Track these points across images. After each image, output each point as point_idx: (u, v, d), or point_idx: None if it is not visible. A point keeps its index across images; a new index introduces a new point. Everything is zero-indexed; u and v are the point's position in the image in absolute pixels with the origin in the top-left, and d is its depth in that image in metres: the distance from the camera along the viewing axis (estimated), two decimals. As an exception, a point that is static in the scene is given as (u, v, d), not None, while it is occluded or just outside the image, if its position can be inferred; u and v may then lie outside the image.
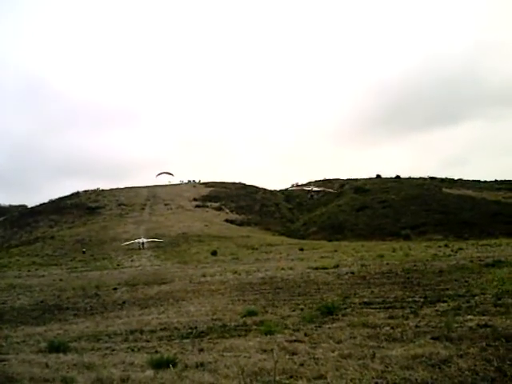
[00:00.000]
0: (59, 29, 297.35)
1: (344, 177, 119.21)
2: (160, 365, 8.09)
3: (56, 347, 10.59)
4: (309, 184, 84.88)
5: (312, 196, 79.55)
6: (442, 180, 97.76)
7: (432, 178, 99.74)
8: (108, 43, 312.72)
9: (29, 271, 47.40)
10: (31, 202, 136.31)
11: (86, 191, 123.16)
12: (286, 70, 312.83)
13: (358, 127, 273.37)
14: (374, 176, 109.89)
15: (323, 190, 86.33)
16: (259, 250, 50.40)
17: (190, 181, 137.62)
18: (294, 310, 13.54)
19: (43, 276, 40.41)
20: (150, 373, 7.75)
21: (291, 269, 28.06)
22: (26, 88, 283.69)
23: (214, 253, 51.95)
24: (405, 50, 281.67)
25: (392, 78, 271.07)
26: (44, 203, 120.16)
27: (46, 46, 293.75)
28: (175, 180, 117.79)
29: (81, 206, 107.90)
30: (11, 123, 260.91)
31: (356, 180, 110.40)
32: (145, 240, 66.27)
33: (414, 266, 23.85)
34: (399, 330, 9.55)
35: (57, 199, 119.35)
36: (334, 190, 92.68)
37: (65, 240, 76.30)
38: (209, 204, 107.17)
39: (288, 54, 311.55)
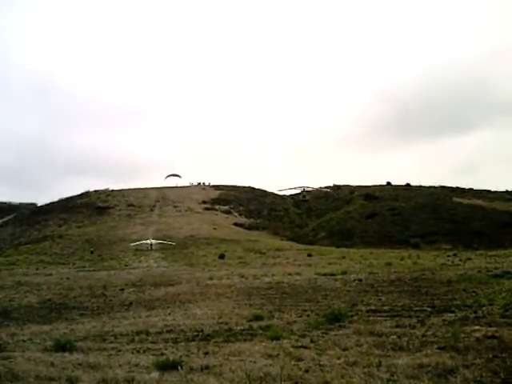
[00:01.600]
0: (67, 28, 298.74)
1: (354, 183, 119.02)
2: (165, 367, 8.12)
3: (62, 346, 10.61)
4: (302, 188, 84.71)
5: (304, 196, 78.79)
6: (453, 189, 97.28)
7: (442, 187, 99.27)
8: (117, 43, 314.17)
9: (37, 269, 47.60)
10: (41, 200, 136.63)
11: (95, 191, 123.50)
12: (297, 74, 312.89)
13: (368, 133, 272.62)
14: (385, 183, 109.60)
15: (317, 190, 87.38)
16: (267, 255, 50.39)
17: (199, 183, 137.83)
18: (300, 316, 13.52)
19: (51, 274, 40.54)
20: (155, 375, 7.79)
21: (299, 274, 28.04)
22: (34, 88, 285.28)
23: (222, 256, 51.97)
24: (416, 55, 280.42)
25: (402, 84, 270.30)
26: (54, 202, 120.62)
27: (54, 46, 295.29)
28: (183, 182, 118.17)
29: (90, 206, 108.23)
30: (20, 122, 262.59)
31: (366, 187, 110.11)
32: (153, 241, 66.46)
33: (423, 274, 23.77)
34: (406, 338, 9.52)
35: (66, 198, 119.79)
36: (330, 190, 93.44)
37: (73, 239, 76.60)
38: (218, 207, 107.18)
39: (299, 57, 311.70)
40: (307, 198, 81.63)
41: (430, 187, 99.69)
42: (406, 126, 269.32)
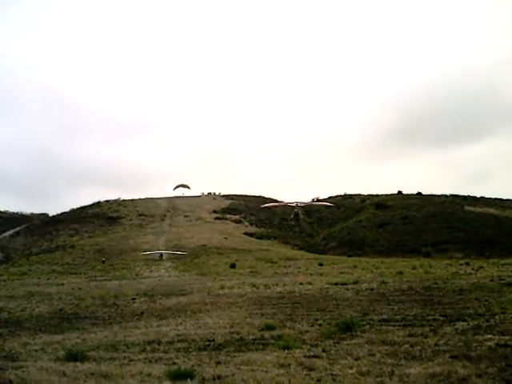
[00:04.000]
0: (74, 41, 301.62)
1: (365, 192, 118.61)
2: (177, 376, 8.11)
3: (74, 356, 10.65)
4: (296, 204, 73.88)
5: (297, 215, 64.36)
6: (465, 198, 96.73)
7: (454, 196, 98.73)
8: (125, 56, 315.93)
9: (48, 279, 47.75)
10: (52, 210, 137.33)
11: (107, 201, 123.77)
12: (304, 84, 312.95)
13: (377, 142, 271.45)
14: (396, 192, 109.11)
15: (313, 202, 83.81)
16: (278, 264, 50.30)
17: (209, 193, 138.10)
18: (312, 326, 13.50)
19: (62, 284, 40.66)
20: (167, 384, 7.80)
21: (310, 284, 27.94)
22: (43, 101, 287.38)
23: (233, 265, 51.92)
24: (426, 63, 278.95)
25: (411, 92, 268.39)
26: (65, 212, 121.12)
27: (62, 59, 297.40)
28: (191, 193, 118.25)
29: (101, 216, 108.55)
30: (31, 135, 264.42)
31: (377, 196, 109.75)
32: (164, 251, 66.63)
33: (435, 283, 23.65)
34: (418, 348, 9.50)
35: (78, 208, 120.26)
36: (331, 203, 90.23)
37: (85, 249, 76.84)
38: (228, 216, 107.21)
39: (305, 67, 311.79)
40: (300, 215, 72.91)
41: (442, 196, 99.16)
42: (415, 134, 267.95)
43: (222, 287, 29.31)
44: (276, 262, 51.49)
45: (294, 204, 62.70)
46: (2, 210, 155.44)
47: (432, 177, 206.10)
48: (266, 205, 77.11)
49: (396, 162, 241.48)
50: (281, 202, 79.67)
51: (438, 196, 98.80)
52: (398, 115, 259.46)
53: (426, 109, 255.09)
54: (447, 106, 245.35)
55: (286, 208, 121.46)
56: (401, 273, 32.29)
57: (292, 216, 67.13)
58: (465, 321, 12.66)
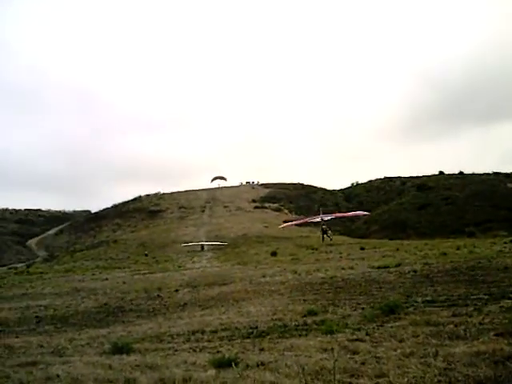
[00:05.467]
0: (105, 43, 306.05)
1: (405, 174, 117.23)
2: (222, 364, 8.18)
3: (119, 349, 10.82)
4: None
5: (325, 232, 54.55)
6: (507, 175, 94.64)
7: (496, 174, 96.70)
8: (156, 52, 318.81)
9: (93, 275, 48.59)
10: (94, 207, 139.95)
11: (147, 195, 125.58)
12: (340, 67, 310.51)
13: (415, 122, 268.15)
14: (437, 172, 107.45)
15: (343, 213, 71.36)
16: (319, 250, 50.11)
17: (248, 182, 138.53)
18: (354, 310, 13.42)
19: (107, 279, 41.32)
20: (211, 372, 7.83)
21: (352, 268, 27.78)
22: (81, 100, 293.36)
23: (274, 253, 51.97)
24: (463, 35, 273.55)
25: (449, 68, 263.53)
26: (107, 208, 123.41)
27: (93, 60, 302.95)
28: (229, 183, 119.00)
29: (143, 210, 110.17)
30: (70, 133, 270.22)
31: (417, 177, 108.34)
32: (205, 243, 67.18)
33: (479, 263, 23.20)
34: (462, 327, 9.35)
35: (119, 204, 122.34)
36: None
37: (127, 243, 78.11)
38: (267, 205, 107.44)
39: (341, 48, 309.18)
40: (329, 231, 55.91)
41: (484, 174, 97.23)
42: (453, 112, 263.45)
43: (264, 275, 29.38)
44: (317, 249, 51.23)
45: (319, 219, 57.73)
46: (44, 209, 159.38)
47: (473, 155, 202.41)
48: (285, 224, 70.78)
49: (435, 141, 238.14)
50: (304, 218, 72.08)
51: (480, 174, 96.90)
52: (435, 94, 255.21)
53: (463, 86, 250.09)
54: (486, 82, 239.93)
55: (327, 194, 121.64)
56: (444, 254, 31.80)
57: (320, 232, 57.21)
58: (510, 299, 12.39)
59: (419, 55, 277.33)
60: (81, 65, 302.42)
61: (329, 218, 60.08)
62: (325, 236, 55.04)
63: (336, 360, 6.99)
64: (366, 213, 70.15)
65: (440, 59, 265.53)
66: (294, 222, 71.03)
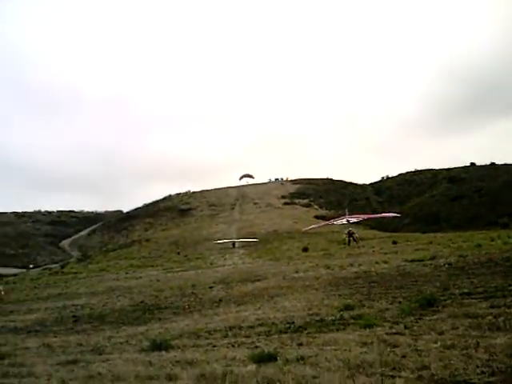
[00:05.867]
0: (129, 44, 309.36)
1: (436, 166, 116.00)
2: (261, 359, 8.21)
3: (158, 345, 10.88)
4: None
5: (351, 235, 50.01)
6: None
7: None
8: (178, 52, 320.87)
9: (127, 273, 49.19)
10: (125, 207, 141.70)
11: (177, 194, 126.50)
12: (368, 57, 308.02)
13: (444, 114, 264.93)
14: (468, 164, 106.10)
15: (369, 215, 65.17)
16: (351, 245, 49.92)
17: (277, 179, 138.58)
18: (391, 303, 13.33)
19: (141, 277, 41.80)
20: (252, 367, 7.86)
21: (385, 262, 27.59)
22: (104, 103, 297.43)
23: (305, 249, 52.03)
24: (490, 26, 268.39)
25: (475, 56, 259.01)
26: (138, 208, 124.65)
27: (118, 62, 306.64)
28: (258, 180, 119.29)
29: (173, 209, 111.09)
30: (100, 135, 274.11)
31: (449, 169, 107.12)
32: (236, 240, 67.43)
33: (515, 254, 22.87)
34: (502, 318, 9.24)
35: (150, 203, 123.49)
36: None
37: (159, 242, 78.82)
38: (297, 201, 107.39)
39: (364, 40, 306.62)
40: (356, 234, 50.79)
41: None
42: (479, 103, 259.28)
43: (297, 271, 29.38)
44: (349, 243, 51.03)
45: (344, 221, 52.72)
46: (77, 210, 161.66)
47: (505, 146, 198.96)
48: (311, 227, 65.31)
49: (465, 133, 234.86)
50: (328, 221, 64.37)
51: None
52: (463, 85, 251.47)
53: (491, 76, 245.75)
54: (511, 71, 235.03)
55: (357, 188, 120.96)
56: (479, 245, 31.40)
57: (344, 236, 51.97)
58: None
59: (445, 49, 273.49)
60: (109, 68, 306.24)
61: (355, 219, 55.20)
62: (351, 240, 50.01)
63: (381, 353, 7.00)
64: (396, 214, 64.37)
65: (463, 52, 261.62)
66: (317, 225, 67.45)
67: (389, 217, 68.48)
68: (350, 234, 49.61)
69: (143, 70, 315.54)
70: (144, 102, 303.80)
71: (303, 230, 67.63)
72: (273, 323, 12.56)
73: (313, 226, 66.12)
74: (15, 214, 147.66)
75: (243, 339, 11.02)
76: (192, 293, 24.82)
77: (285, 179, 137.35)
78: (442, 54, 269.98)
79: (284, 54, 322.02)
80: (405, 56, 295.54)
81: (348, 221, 52.09)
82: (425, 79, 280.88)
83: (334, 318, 12.14)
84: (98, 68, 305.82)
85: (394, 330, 9.57)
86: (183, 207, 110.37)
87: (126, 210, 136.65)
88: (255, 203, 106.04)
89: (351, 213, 55.88)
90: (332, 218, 65.86)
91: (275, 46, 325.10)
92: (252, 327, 12.47)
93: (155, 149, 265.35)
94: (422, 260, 25.71)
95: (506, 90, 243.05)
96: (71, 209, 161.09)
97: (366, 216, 61.52)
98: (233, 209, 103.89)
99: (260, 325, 12.62)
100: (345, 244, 51.16)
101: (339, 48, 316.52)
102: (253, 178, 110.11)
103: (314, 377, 6.88)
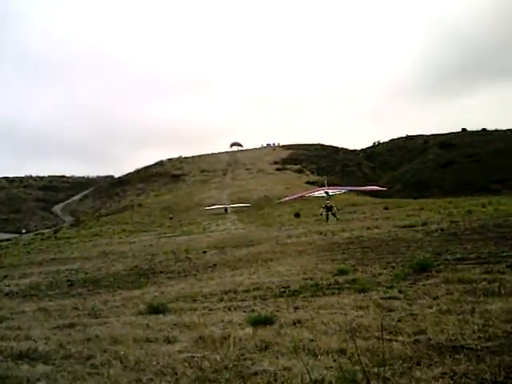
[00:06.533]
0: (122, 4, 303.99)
1: (427, 132, 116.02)
2: (258, 322, 8.31)
3: (155, 309, 10.95)
4: None
5: (329, 208, 42.21)
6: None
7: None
8: (172, 14, 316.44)
9: (120, 238, 49.32)
10: (117, 172, 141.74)
11: (169, 159, 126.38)
12: (359, 22, 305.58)
13: (435, 79, 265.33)
14: (459, 130, 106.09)
15: (351, 188, 61.04)
16: (343, 211, 50.14)
17: (268, 144, 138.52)
18: (385, 268, 13.44)
19: (134, 242, 41.92)
20: (249, 330, 7.96)
21: (377, 228, 27.78)
22: (101, 67, 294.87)
23: (298, 215, 52.17)
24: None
25: (469, 23, 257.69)
26: (130, 173, 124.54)
27: (111, 21, 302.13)
28: (249, 146, 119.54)
29: (165, 174, 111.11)
30: (93, 100, 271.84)
31: (440, 135, 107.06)
32: (228, 205, 67.59)
33: (506, 221, 23.07)
34: (496, 284, 9.35)
35: (142, 168, 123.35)
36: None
37: (152, 207, 78.94)
38: (289, 167, 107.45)
39: (360, 3, 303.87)
40: (335, 209, 42.78)
41: (507, 130, 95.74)
42: (474, 68, 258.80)
43: (289, 236, 29.55)
44: (340, 209, 51.27)
45: (322, 192, 47.10)
46: (68, 175, 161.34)
47: (496, 112, 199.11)
48: (285, 199, 59.21)
49: (457, 98, 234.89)
50: (305, 192, 56.17)
51: (504, 131, 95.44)
52: (454, 49, 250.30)
53: (483, 40, 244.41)
54: (507, 36, 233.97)
55: (348, 154, 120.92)
56: (470, 212, 31.65)
57: (320, 213, 43.24)
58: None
59: (440, 12, 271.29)
60: (106, 33, 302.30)
61: (336, 191, 50.52)
62: (329, 214, 42.15)
63: (383, 318, 7.09)
64: (382, 188, 58.85)
65: (459, 14, 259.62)
66: (292, 197, 58.55)
67: (373, 190, 61.29)
68: (329, 208, 42.43)
69: (140, 34, 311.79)
70: (136, 67, 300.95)
71: (277, 201, 63.90)
72: (268, 287, 12.65)
73: (287, 198, 59.85)
74: (6, 179, 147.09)
75: (239, 303, 11.11)
76: (186, 257, 24.90)
77: (276, 144, 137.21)
78: (433, 17, 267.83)
79: (277, 17, 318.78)
80: (399, 20, 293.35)
81: (327, 193, 47.42)
82: (420, 44, 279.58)
83: (328, 282, 12.24)
84: (95, 31, 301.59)
85: (388, 295, 9.67)
86: (175, 173, 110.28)
87: (117, 175, 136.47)
88: (247, 169, 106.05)
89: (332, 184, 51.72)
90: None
91: (268, 8, 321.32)
92: (247, 291, 12.55)
93: (147, 114, 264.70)
94: (413, 226, 25.91)
95: (501, 56, 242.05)
96: (63, 174, 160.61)
97: (347, 188, 58.19)
98: (225, 174, 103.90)
99: (255, 289, 12.70)
100: (321, 217, 42.84)
101: (332, 12, 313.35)
102: (242, 146, 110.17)
103: (312, 340, 6.97)
